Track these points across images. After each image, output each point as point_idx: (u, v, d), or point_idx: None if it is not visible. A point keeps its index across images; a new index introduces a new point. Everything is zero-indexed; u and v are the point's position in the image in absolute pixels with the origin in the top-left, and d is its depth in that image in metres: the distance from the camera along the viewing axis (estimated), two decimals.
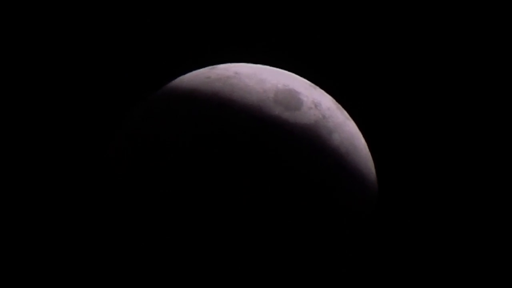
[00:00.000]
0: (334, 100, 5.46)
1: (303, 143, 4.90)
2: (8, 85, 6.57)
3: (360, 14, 6.56)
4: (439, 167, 6.39)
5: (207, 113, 4.90)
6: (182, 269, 4.84)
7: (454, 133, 6.50)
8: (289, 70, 5.61)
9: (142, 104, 5.23)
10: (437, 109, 6.54)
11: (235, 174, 4.67)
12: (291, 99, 5.11)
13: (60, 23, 6.61)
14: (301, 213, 4.70)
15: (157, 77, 5.79)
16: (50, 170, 6.38)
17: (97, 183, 5.31)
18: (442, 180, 6.36)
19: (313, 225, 4.75)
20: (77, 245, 5.97)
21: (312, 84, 5.50)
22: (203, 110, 4.92)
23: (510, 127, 6.49)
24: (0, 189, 6.36)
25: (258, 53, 5.91)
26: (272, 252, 4.72)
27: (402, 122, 6.50)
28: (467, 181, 6.35)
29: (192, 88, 5.11)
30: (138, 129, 5.00)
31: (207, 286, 4.83)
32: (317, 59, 6.46)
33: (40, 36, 6.63)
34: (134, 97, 5.98)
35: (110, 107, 6.44)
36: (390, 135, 6.40)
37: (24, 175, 6.36)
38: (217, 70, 5.32)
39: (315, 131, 4.99)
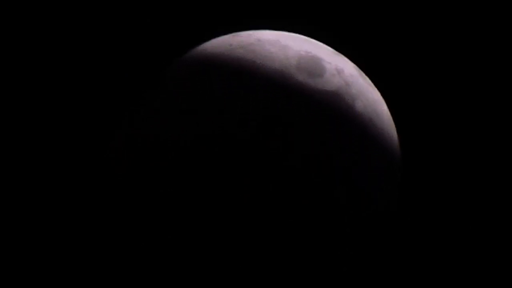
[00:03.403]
0: (357, 67, 5.46)
1: (326, 109, 4.89)
2: (6, 85, 6.56)
3: None
4: (462, 136, 6.37)
5: (229, 80, 4.91)
6: (183, 269, 4.87)
7: (482, 106, 6.45)
8: (312, 37, 5.58)
9: (169, 71, 5.24)
10: (462, 78, 6.50)
11: (259, 141, 4.67)
12: (314, 66, 5.11)
13: (58, 20, 6.61)
14: (324, 187, 4.71)
15: (175, 46, 5.83)
16: (49, 170, 6.38)
17: (102, 174, 5.33)
18: (464, 151, 6.33)
19: (339, 190, 4.76)
20: (76, 245, 5.99)
21: (335, 51, 5.49)
22: (226, 77, 4.94)
23: None
24: None
25: (281, 20, 5.89)
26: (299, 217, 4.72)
27: (424, 89, 6.47)
28: (492, 158, 6.31)
29: (215, 55, 5.12)
30: (161, 98, 5.03)
31: (209, 286, 4.85)
32: (340, 26, 6.46)
33: (38, 35, 6.62)
34: (135, 92, 6.00)
35: (113, 101, 6.46)
36: (412, 103, 6.38)
37: (23, 175, 6.37)
38: (239, 37, 5.32)
39: (338, 98, 4.99)
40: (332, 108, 4.92)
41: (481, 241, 6.10)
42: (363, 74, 5.44)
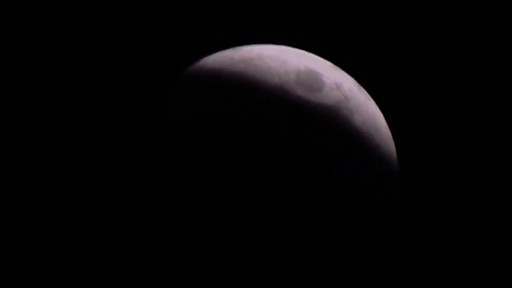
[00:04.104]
0: (355, 81, 5.53)
1: (325, 123, 4.97)
2: (7, 84, 6.58)
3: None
4: (459, 146, 6.43)
5: (231, 94, 4.99)
6: (182, 269, 4.91)
7: (479, 116, 6.51)
8: (311, 52, 5.64)
9: (170, 85, 5.32)
10: (459, 91, 6.57)
11: (258, 152, 4.75)
12: (313, 80, 5.19)
13: (59, 20, 6.63)
14: (324, 191, 4.79)
15: (175, 60, 5.90)
16: (49, 170, 6.39)
17: (102, 174, 5.36)
18: (462, 160, 6.41)
19: (335, 202, 4.83)
20: (76, 244, 6.00)
21: (334, 65, 5.55)
22: (227, 91, 5.01)
23: None
24: None
25: (280, 35, 5.97)
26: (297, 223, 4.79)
27: (422, 103, 6.53)
28: (490, 165, 6.40)
29: (216, 69, 5.21)
30: (165, 110, 5.12)
31: (209, 285, 4.88)
32: (339, 41, 6.53)
33: (39, 34, 6.64)
34: (135, 93, 6.16)
35: (113, 102, 6.50)
36: (410, 116, 6.44)
37: (23, 175, 6.38)
38: (241, 51, 5.40)
39: (337, 112, 5.06)
40: (331, 122, 5.00)
41: (475, 243, 6.18)
42: (362, 88, 5.52)
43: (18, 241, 6.18)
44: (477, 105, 6.50)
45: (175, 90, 5.19)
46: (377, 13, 6.63)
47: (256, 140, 4.80)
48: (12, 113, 6.53)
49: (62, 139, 6.45)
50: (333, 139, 4.92)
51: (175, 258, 4.90)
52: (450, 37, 6.61)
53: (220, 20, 6.56)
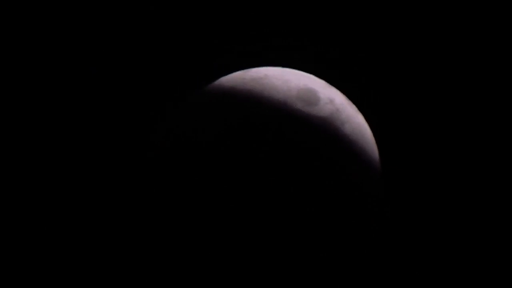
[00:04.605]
0: (345, 97, 5.90)
1: (321, 131, 5.41)
2: (55, 83, 6.80)
3: (366, 26, 6.98)
4: (436, 157, 6.78)
5: (243, 107, 5.47)
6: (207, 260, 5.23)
7: (449, 127, 6.81)
8: (308, 72, 5.99)
9: (192, 100, 5.82)
10: (433, 105, 6.88)
11: (265, 156, 5.22)
12: (311, 96, 5.59)
13: (111, 24, 6.90)
14: (319, 184, 5.26)
15: (197, 79, 6.35)
16: (91, 168, 6.60)
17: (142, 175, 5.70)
18: (439, 168, 6.75)
19: (327, 197, 5.28)
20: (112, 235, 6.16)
21: (328, 84, 5.93)
22: (240, 105, 5.49)
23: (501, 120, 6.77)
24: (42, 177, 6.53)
25: (283, 59, 6.31)
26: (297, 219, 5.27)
27: (402, 115, 6.86)
28: (463, 164, 6.71)
29: (231, 87, 5.69)
30: (187, 122, 5.63)
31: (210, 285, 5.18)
32: (332, 63, 6.85)
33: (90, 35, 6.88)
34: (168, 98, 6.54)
35: (150, 107, 6.79)
36: (391, 126, 6.77)
37: (69, 172, 6.57)
38: (250, 72, 5.86)
39: (330, 122, 5.48)
40: (325, 130, 5.44)
41: (449, 234, 6.50)
42: (351, 103, 5.90)
43: (55, 228, 6.32)
44: (451, 123, 6.83)
45: (199, 103, 5.68)
46: (363, 40, 6.98)
47: (264, 143, 5.24)
48: (58, 113, 6.72)
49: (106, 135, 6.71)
50: (327, 143, 5.40)
51: (192, 249, 5.25)
52: (424, 57, 6.94)
53: (234, 47, 6.93)
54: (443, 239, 6.54)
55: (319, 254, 5.38)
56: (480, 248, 6.54)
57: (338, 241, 5.45)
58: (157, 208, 5.51)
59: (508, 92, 6.82)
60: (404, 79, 6.94)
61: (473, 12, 6.91)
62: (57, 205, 6.51)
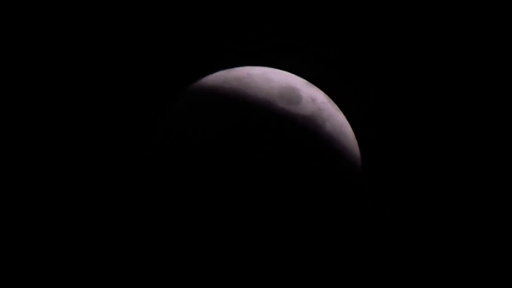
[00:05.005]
0: (326, 95, 5.99)
1: (303, 129, 5.48)
2: (56, 84, 6.83)
3: (348, 27, 7.11)
4: (415, 153, 6.95)
5: (226, 106, 5.52)
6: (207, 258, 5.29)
7: (429, 124, 6.97)
8: (290, 71, 6.05)
9: (178, 100, 5.89)
10: (414, 104, 7.04)
11: (249, 154, 5.30)
12: (293, 95, 5.64)
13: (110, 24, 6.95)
14: (301, 184, 5.38)
15: (185, 77, 6.44)
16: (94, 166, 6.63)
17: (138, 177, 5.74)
18: (419, 164, 6.91)
19: (309, 194, 5.39)
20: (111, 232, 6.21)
21: (309, 83, 6.01)
22: (223, 104, 5.55)
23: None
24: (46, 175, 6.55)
25: (265, 58, 6.46)
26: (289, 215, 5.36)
27: (381, 113, 6.99)
28: (438, 160, 6.88)
29: (214, 86, 5.75)
30: (175, 122, 5.72)
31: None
32: (313, 62, 6.98)
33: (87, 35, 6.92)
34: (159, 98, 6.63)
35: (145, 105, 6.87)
36: (372, 124, 6.92)
37: (69, 172, 6.60)
38: (234, 72, 5.92)
39: (312, 120, 5.56)
40: (307, 128, 5.51)
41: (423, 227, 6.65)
42: (332, 101, 5.99)
43: (61, 224, 6.33)
44: (427, 113, 6.98)
45: (184, 102, 5.76)
46: (345, 39, 7.09)
47: (247, 140, 5.32)
48: (61, 113, 6.75)
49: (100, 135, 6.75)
50: (309, 141, 5.48)
51: (195, 248, 5.31)
52: (405, 56, 7.08)
53: (234, 47, 7.02)
54: (425, 233, 6.67)
55: (304, 251, 5.49)
56: (471, 246, 6.67)
57: (321, 237, 5.56)
58: (157, 208, 5.55)
59: (493, 91, 7.00)
60: (384, 78, 7.09)
61: (460, 15, 7.06)
62: (57, 204, 6.54)
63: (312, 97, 5.75)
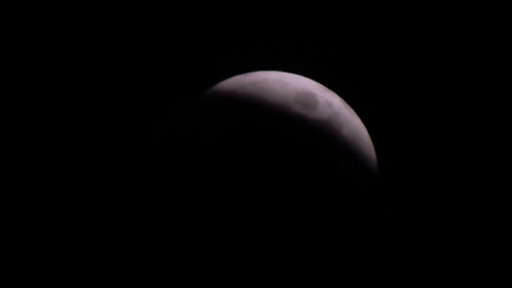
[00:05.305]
0: (343, 100, 6.03)
1: (319, 134, 5.53)
2: (58, 84, 6.85)
3: (365, 30, 7.12)
4: (430, 157, 6.96)
5: (242, 110, 5.57)
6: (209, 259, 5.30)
7: (445, 129, 6.98)
8: (307, 76, 6.09)
9: (193, 102, 5.93)
10: (429, 108, 7.06)
11: (265, 157, 5.33)
12: (309, 99, 5.69)
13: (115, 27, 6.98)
14: (318, 188, 5.40)
15: (185, 77, 6.54)
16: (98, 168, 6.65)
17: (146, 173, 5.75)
18: (435, 170, 6.92)
19: (326, 198, 5.41)
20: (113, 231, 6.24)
21: (326, 87, 6.05)
22: (240, 108, 5.60)
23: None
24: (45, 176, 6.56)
25: (283, 60, 6.46)
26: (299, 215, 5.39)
27: (397, 118, 7.03)
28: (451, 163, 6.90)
29: (232, 90, 5.81)
30: (190, 123, 5.76)
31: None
32: (330, 68, 6.98)
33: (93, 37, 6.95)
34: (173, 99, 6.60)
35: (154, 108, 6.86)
36: (388, 129, 6.95)
37: (69, 172, 6.61)
38: (250, 76, 5.98)
39: (328, 125, 5.60)
40: (324, 133, 5.54)
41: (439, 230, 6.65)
42: (348, 106, 6.02)
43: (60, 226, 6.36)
44: (443, 118, 6.99)
45: (200, 105, 5.80)
46: (362, 44, 7.11)
47: (263, 144, 5.35)
48: (63, 113, 6.77)
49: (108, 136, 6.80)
50: (325, 145, 5.52)
51: (195, 248, 5.33)
52: (420, 61, 7.07)
53: (234, 47, 7.04)
54: (440, 238, 6.68)
55: (318, 254, 5.49)
56: (477, 248, 6.67)
57: (337, 240, 5.57)
58: (157, 208, 5.56)
59: (505, 94, 6.96)
60: (400, 83, 7.10)
61: (468, 16, 7.06)
62: (57, 204, 6.55)
63: (328, 102, 5.80)
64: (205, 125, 5.57)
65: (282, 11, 7.10)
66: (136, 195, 5.75)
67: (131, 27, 7.05)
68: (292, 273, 5.45)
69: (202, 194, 5.35)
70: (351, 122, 5.86)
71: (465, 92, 7.06)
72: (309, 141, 5.49)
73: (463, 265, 6.57)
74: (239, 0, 7.07)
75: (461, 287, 6.47)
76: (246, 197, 5.30)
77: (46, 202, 6.55)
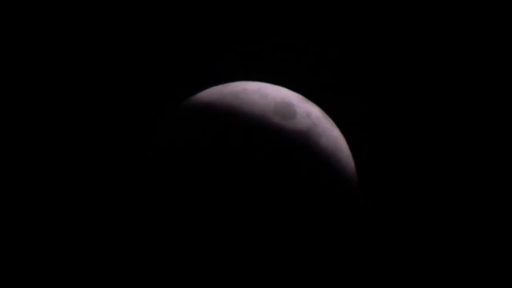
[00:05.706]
0: (322, 111, 6.04)
1: (298, 144, 5.54)
2: (55, 85, 6.85)
3: (345, 39, 7.17)
4: (409, 167, 7.05)
5: (221, 121, 5.58)
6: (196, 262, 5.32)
7: (424, 139, 7.06)
8: (286, 87, 6.10)
9: (170, 114, 5.93)
10: (408, 120, 7.14)
11: (242, 170, 5.35)
12: (288, 110, 5.70)
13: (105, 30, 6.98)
14: (297, 199, 5.44)
15: (181, 91, 6.48)
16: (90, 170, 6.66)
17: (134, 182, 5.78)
18: (412, 177, 7.02)
19: (306, 209, 5.44)
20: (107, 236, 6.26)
21: (304, 98, 6.06)
22: (219, 118, 5.60)
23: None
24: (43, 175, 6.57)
25: (261, 72, 6.48)
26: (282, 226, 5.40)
27: (376, 129, 7.10)
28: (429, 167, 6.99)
29: (210, 101, 5.79)
30: (169, 134, 5.78)
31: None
32: (308, 78, 7.08)
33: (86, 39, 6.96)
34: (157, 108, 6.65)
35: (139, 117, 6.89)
36: (366, 139, 7.00)
37: (69, 172, 6.62)
38: (229, 86, 5.98)
39: (307, 135, 5.62)
40: (302, 143, 5.55)
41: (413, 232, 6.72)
42: (327, 116, 6.05)
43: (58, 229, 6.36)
44: (422, 129, 7.07)
45: (179, 117, 5.81)
46: (338, 56, 7.16)
47: (242, 157, 5.38)
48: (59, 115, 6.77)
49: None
50: (304, 156, 5.54)
51: (185, 253, 5.32)
52: (399, 72, 7.14)
53: (233, 47, 7.08)
54: (422, 247, 6.74)
55: (297, 268, 5.52)
56: (471, 248, 6.74)
57: (317, 252, 5.60)
58: (157, 208, 5.56)
59: (496, 98, 7.05)
60: (380, 93, 7.16)
61: (460, 22, 7.13)
62: (57, 204, 6.55)
63: (307, 112, 5.81)
64: (180, 137, 5.60)
65: (263, 20, 7.19)
66: (136, 195, 5.76)
67: (131, 27, 7.07)
68: (284, 273, 5.50)
69: (202, 195, 5.37)
70: (330, 132, 5.87)
71: (446, 102, 7.14)
72: (287, 152, 5.51)
73: (447, 274, 6.65)
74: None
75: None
76: (242, 198, 5.32)
77: (46, 202, 6.56)
